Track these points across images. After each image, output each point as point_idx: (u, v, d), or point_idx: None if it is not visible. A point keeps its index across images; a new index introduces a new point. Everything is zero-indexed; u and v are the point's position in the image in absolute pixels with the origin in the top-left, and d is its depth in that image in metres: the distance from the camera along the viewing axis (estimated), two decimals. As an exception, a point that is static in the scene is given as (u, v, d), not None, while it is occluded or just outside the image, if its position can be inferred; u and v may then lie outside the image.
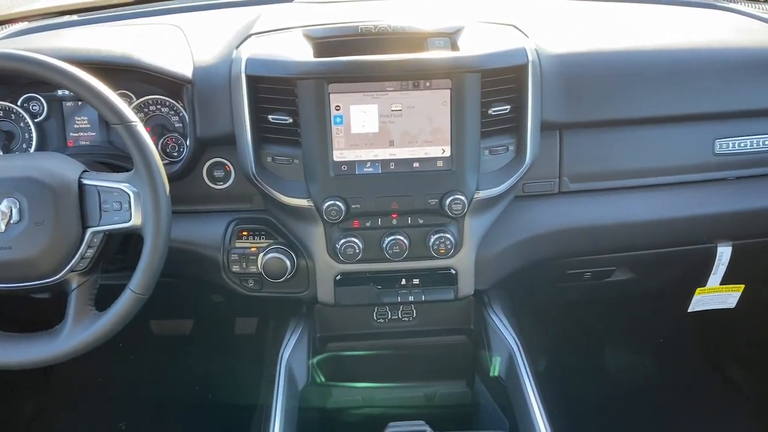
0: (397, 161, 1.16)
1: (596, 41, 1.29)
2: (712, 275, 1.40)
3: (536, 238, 1.29)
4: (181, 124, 1.25)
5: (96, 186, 1.01)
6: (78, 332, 1.01)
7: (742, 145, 1.30)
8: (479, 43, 1.17)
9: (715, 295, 1.46)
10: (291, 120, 1.14)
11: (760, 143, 1.31)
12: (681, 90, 1.27)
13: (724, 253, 1.36)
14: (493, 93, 1.16)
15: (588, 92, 1.24)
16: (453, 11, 1.36)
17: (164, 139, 1.25)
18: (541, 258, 1.33)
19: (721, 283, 1.43)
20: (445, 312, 1.34)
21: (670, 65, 1.27)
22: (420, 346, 1.36)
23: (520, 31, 1.27)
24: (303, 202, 1.17)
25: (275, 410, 1.13)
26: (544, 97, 1.20)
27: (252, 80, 1.14)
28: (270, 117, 1.15)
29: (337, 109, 1.12)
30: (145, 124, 1.25)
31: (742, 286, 1.47)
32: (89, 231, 1.01)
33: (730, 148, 1.30)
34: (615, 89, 1.25)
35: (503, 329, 1.31)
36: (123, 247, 1.19)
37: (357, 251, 1.18)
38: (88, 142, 1.28)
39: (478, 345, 1.36)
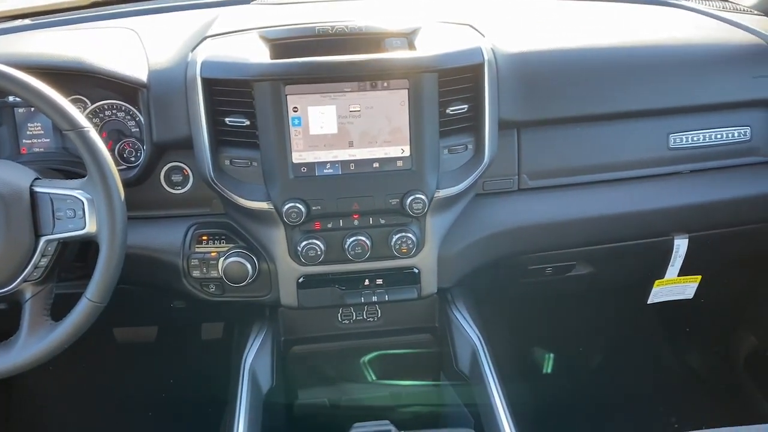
0: (357, 162, 1.16)
1: (552, 40, 1.31)
2: (669, 267, 1.43)
3: (497, 235, 1.30)
4: (137, 129, 1.23)
5: (48, 193, 0.99)
6: (32, 343, 0.99)
7: (695, 139, 1.33)
8: (436, 42, 1.18)
9: (674, 286, 1.49)
10: (248, 122, 1.13)
11: (713, 137, 1.34)
12: (635, 87, 1.29)
13: (680, 245, 1.39)
14: (450, 92, 1.17)
15: (544, 90, 1.26)
16: (411, 11, 1.36)
17: (121, 144, 1.23)
18: (502, 254, 1.34)
19: (679, 275, 1.45)
20: (409, 311, 1.34)
21: (623, 62, 1.30)
22: (385, 346, 1.36)
23: (477, 30, 1.28)
24: (263, 205, 1.16)
25: (238, 415, 1.12)
26: (501, 96, 1.21)
27: (208, 83, 1.12)
28: (227, 120, 1.14)
29: (295, 111, 1.12)
30: (101, 129, 1.23)
31: (699, 277, 1.50)
32: (42, 239, 0.99)
33: (683, 143, 1.33)
34: (570, 87, 1.27)
35: (466, 326, 1.32)
36: (82, 255, 1.17)
37: (319, 253, 1.17)
38: (42, 149, 1.25)
39: (442, 343, 1.36)
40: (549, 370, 1.80)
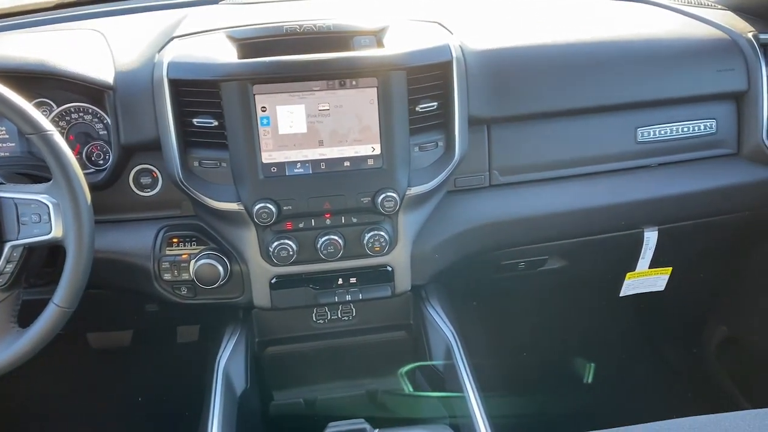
0: (328, 161, 1.16)
1: (520, 36, 1.31)
2: (640, 260, 1.44)
3: (469, 232, 1.31)
4: (105, 132, 1.22)
5: (12, 198, 0.98)
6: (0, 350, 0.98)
7: (662, 132, 1.35)
8: (404, 40, 1.18)
9: (645, 278, 1.51)
10: (217, 123, 1.13)
11: (679, 130, 1.36)
12: (603, 81, 1.30)
13: (650, 237, 1.41)
14: (419, 90, 1.17)
15: (513, 87, 1.26)
16: (380, 10, 1.36)
17: (89, 147, 1.22)
18: (475, 250, 1.34)
19: (650, 267, 1.47)
20: (384, 309, 1.34)
21: (591, 58, 1.31)
22: (361, 345, 1.36)
23: (445, 28, 1.28)
24: (233, 206, 1.15)
25: (212, 418, 1.11)
26: (470, 93, 1.22)
27: (175, 84, 1.12)
28: (195, 120, 1.13)
29: (263, 111, 1.11)
30: (68, 132, 1.21)
31: (670, 269, 1.52)
32: (7, 245, 0.98)
33: (651, 136, 1.35)
34: (539, 83, 1.28)
35: (440, 322, 1.32)
36: (51, 261, 1.15)
37: (291, 253, 1.17)
38: (7, 154, 1.23)
39: (417, 340, 1.37)
40: (525, 364, 1.81)
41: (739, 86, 1.35)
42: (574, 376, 1.85)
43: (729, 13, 1.47)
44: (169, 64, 1.12)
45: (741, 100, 1.37)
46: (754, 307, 1.68)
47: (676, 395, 1.80)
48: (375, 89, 1.13)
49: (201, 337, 1.81)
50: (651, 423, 1.14)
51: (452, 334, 1.29)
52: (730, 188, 1.39)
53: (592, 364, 1.84)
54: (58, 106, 1.20)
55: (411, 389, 1.37)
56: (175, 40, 1.20)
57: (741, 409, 1.18)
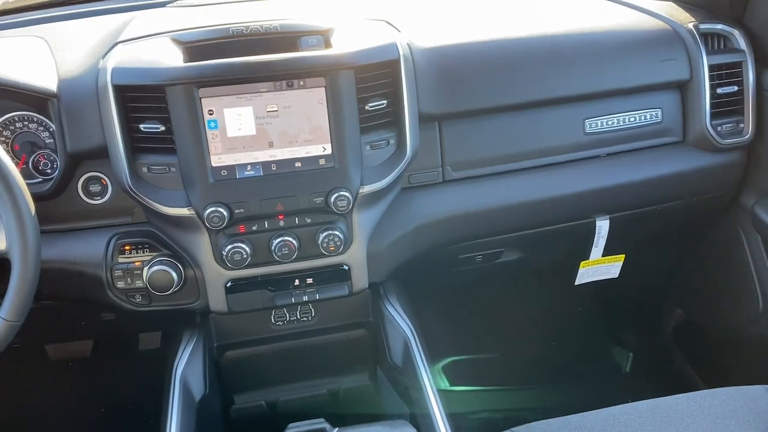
0: (279, 162, 1.15)
1: (468, 33, 1.33)
2: (593, 248, 1.47)
3: (425, 227, 1.32)
4: (51, 140, 1.19)
5: None
6: (-54, 367, 0.96)
7: (609, 123, 1.37)
8: (352, 40, 1.18)
9: (598, 266, 1.54)
10: (164, 128, 1.12)
11: (626, 120, 1.38)
12: (550, 75, 1.32)
13: (602, 226, 1.44)
14: (368, 89, 1.18)
15: (462, 83, 1.28)
16: (328, 9, 1.37)
17: (35, 156, 1.20)
18: (431, 246, 1.36)
19: (603, 255, 1.50)
20: (343, 308, 1.34)
21: (537, 52, 1.33)
22: (321, 344, 1.36)
23: (393, 26, 1.29)
24: (184, 211, 1.14)
25: (170, 425, 1.11)
26: (419, 90, 1.23)
27: (119, 90, 1.10)
28: (142, 126, 1.12)
29: (211, 114, 1.11)
30: (13, 141, 1.19)
31: (623, 256, 1.55)
32: (-50, 260, 0.96)
33: (598, 127, 1.37)
34: (487, 78, 1.29)
35: (399, 318, 1.33)
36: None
37: (245, 256, 1.17)
38: None
39: (377, 337, 1.37)
40: (485, 355, 1.83)
41: (682, 75, 1.38)
42: (534, 366, 1.88)
43: (671, 3, 1.51)
44: (113, 70, 1.11)
45: (684, 89, 1.40)
46: (707, 290, 1.72)
47: (636, 379, 1.84)
48: (323, 89, 1.13)
49: (163, 343, 1.79)
50: (607, 408, 1.16)
51: (410, 329, 1.30)
52: (678, 175, 1.42)
53: (553, 353, 1.87)
54: (0, 116, 1.18)
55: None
56: (119, 45, 1.19)
57: (697, 389, 1.21)
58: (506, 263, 1.52)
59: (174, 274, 1.18)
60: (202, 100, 1.10)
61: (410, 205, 1.31)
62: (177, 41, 1.18)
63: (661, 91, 1.40)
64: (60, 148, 1.16)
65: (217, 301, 1.22)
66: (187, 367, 1.24)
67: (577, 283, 1.56)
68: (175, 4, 1.46)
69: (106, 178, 1.20)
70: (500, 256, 1.50)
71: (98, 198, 1.21)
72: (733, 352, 1.66)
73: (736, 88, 1.40)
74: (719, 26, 1.40)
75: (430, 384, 1.18)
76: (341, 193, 1.16)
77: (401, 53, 1.19)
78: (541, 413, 1.16)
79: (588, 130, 1.37)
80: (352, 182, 1.18)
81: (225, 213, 1.13)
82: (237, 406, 1.37)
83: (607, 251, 1.52)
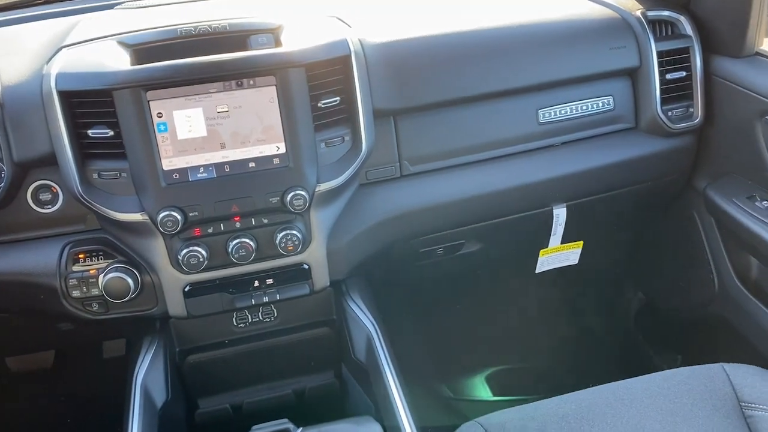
0: (232, 163, 1.14)
1: (419, 27, 1.33)
2: (552, 236, 1.49)
3: (384, 223, 1.32)
4: None
5: None
6: None
7: (562, 112, 1.39)
8: (302, 37, 1.18)
9: (558, 254, 1.56)
10: (112, 132, 1.10)
11: (579, 109, 1.40)
12: (501, 67, 1.33)
13: (559, 214, 1.45)
14: (320, 86, 1.17)
15: (414, 77, 1.28)
16: (278, 7, 1.35)
17: (-20, 167, 1.17)
18: (391, 241, 1.36)
19: (562, 243, 1.52)
20: (305, 307, 1.34)
21: (490, 44, 1.34)
22: (285, 344, 1.35)
23: (344, 22, 1.28)
24: (137, 217, 1.12)
25: (131, 433, 1.09)
26: (372, 86, 1.23)
27: (65, 95, 1.08)
28: (90, 132, 1.10)
29: (160, 116, 1.09)
30: (-43, 152, 1.16)
31: (581, 242, 1.57)
32: None
33: (552, 117, 1.38)
34: (439, 72, 1.29)
35: (362, 315, 1.33)
36: None
37: (201, 260, 1.15)
38: None
39: (341, 334, 1.37)
40: (452, 349, 1.85)
41: (631, 62, 1.40)
42: (501, 356, 1.90)
43: (620, -8, 1.53)
44: (58, 76, 1.08)
45: (635, 76, 1.42)
46: (665, 272, 1.76)
47: (599, 363, 1.86)
48: (274, 88, 1.12)
49: (128, 350, 1.77)
50: (567, 395, 1.18)
51: (373, 326, 1.30)
52: (631, 161, 1.44)
53: (517, 341, 1.89)
54: None
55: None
56: (64, 49, 1.16)
57: (659, 370, 1.23)
58: (467, 255, 1.52)
59: (130, 281, 1.16)
60: (150, 103, 1.08)
61: (369, 202, 1.31)
62: (123, 44, 1.16)
63: (612, 79, 1.42)
64: (6, 157, 1.13)
65: (175, 306, 1.21)
66: (147, 373, 1.22)
67: (537, 271, 1.58)
68: (122, 6, 1.43)
69: (56, 186, 1.17)
70: (461, 248, 1.51)
71: (49, 206, 1.18)
72: (692, 333, 1.70)
73: (684, 73, 1.42)
74: (666, 13, 1.43)
75: (394, 379, 1.18)
76: (297, 192, 1.16)
77: (352, 49, 1.18)
78: (504, 403, 1.17)
79: (542, 120, 1.38)
80: (308, 181, 1.17)
81: (179, 217, 1.11)
82: (201, 411, 1.36)
83: (566, 239, 1.54)
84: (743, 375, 1.19)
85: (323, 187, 1.19)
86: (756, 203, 1.39)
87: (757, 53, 1.40)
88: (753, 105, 1.34)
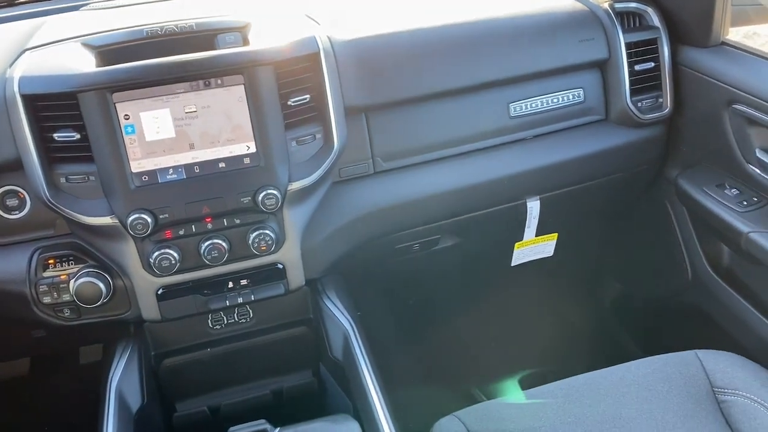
0: (201, 164, 1.13)
1: (388, 23, 1.32)
2: (526, 229, 1.50)
3: (359, 220, 1.32)
4: None
5: None
6: None
7: (533, 105, 1.40)
8: (270, 35, 1.17)
9: (533, 246, 1.57)
10: (79, 136, 1.08)
11: (550, 102, 1.41)
12: (471, 61, 1.33)
13: (533, 207, 1.46)
14: (290, 84, 1.16)
15: (385, 73, 1.28)
16: (245, 5, 1.34)
17: (-55, 173, 1.15)
18: (366, 238, 1.36)
19: (537, 235, 1.53)
20: (281, 307, 1.33)
21: (459, 39, 1.34)
22: (262, 345, 1.34)
23: (312, 19, 1.28)
24: (106, 220, 1.11)
25: (105, 440, 1.08)
26: (342, 83, 1.22)
27: (29, 99, 1.06)
28: (56, 135, 1.08)
29: (127, 119, 1.08)
30: None
31: (556, 234, 1.58)
32: None
33: (523, 110, 1.39)
34: (409, 68, 1.29)
35: (338, 313, 1.33)
36: None
37: (174, 262, 1.14)
38: None
39: (317, 333, 1.37)
40: (431, 344, 1.85)
41: (600, 55, 1.41)
42: (479, 350, 1.90)
43: (588, -16, 1.54)
44: (21, 79, 1.07)
45: (604, 68, 1.43)
46: (639, 262, 1.78)
47: (577, 353, 1.88)
48: (242, 86, 1.11)
49: (104, 355, 1.75)
50: (544, 386, 1.19)
51: (350, 324, 1.30)
52: (602, 152, 1.45)
53: (496, 334, 1.89)
54: None
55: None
56: (27, 52, 1.15)
57: (636, 359, 1.25)
58: (444, 250, 1.53)
59: (102, 285, 1.15)
60: (116, 105, 1.06)
61: (343, 199, 1.30)
62: (88, 46, 1.15)
63: (582, 71, 1.43)
64: None
65: (149, 309, 1.20)
66: (122, 378, 1.21)
67: (513, 264, 1.58)
68: (87, 7, 1.41)
69: (23, 191, 1.16)
70: (437, 243, 1.51)
71: (17, 212, 1.16)
72: (667, 321, 1.72)
73: (653, 64, 1.44)
74: (633, 5, 1.44)
75: (371, 376, 1.18)
76: (269, 191, 1.15)
77: (321, 46, 1.18)
78: (481, 395, 1.18)
79: (513, 113, 1.38)
80: (280, 179, 1.17)
81: (149, 219, 1.10)
82: (179, 414, 1.35)
83: (541, 231, 1.54)
84: (716, 361, 1.21)
85: (295, 185, 1.19)
86: (725, 191, 1.40)
87: (723, 43, 1.42)
88: (720, 94, 1.36)
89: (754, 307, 1.37)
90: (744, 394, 1.14)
